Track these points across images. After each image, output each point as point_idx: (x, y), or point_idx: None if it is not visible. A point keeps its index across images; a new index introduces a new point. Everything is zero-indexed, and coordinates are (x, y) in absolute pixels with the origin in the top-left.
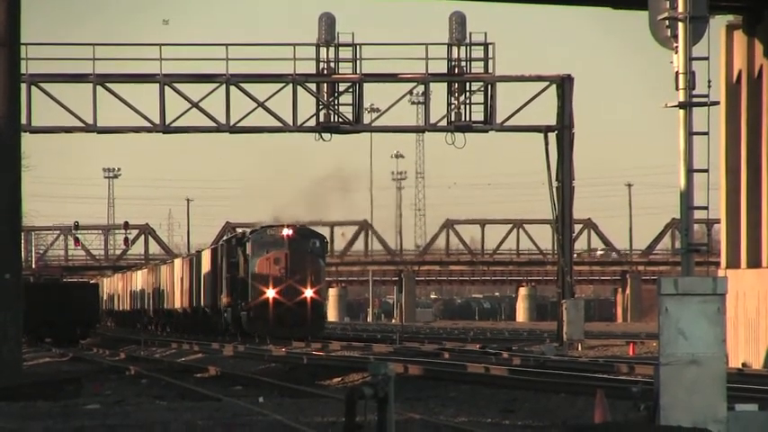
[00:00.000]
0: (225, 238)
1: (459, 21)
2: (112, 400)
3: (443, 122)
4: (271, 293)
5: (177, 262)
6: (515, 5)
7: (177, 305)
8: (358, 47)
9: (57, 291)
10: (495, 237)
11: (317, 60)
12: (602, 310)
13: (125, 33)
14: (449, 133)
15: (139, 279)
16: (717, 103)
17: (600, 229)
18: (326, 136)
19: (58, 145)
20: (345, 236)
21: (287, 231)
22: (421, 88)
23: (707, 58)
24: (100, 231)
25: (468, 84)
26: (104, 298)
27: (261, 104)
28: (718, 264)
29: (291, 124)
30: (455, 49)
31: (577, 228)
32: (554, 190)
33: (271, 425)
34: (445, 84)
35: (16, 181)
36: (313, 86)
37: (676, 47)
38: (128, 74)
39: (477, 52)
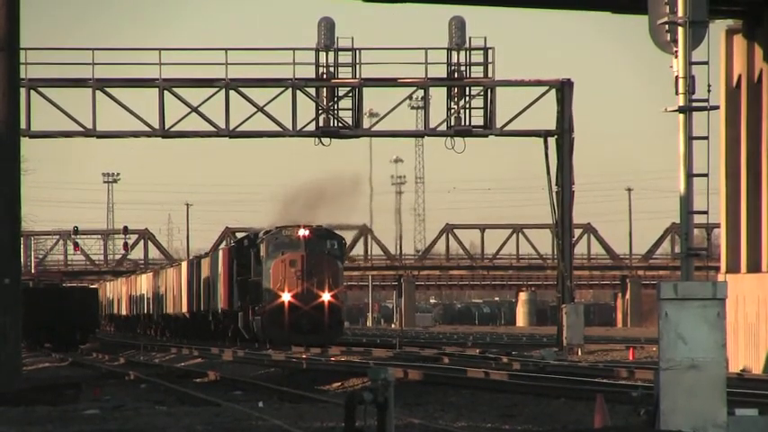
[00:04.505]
0: (235, 239)
1: (458, 25)
2: (112, 405)
3: (443, 127)
4: (286, 297)
5: (184, 265)
6: (515, 10)
7: (184, 309)
8: (357, 51)
9: (56, 296)
10: (494, 241)
11: (317, 65)
12: (602, 314)
13: (124, 38)
14: (448, 138)
15: (144, 283)
16: (717, 107)
17: (599, 233)
18: (326, 141)
19: (58, 150)
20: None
21: (303, 232)
22: (420, 93)
23: (707, 63)
24: (99, 236)
25: (467, 88)
26: (104, 303)
27: (260, 109)
28: (717, 268)
29: (291, 129)
30: (455, 54)
31: (577, 232)
32: (554, 195)
33: (270, 430)
34: (445, 88)
35: (16, 186)
36: (312, 91)
37: (676, 51)
38: (127, 78)
39: (477, 57)
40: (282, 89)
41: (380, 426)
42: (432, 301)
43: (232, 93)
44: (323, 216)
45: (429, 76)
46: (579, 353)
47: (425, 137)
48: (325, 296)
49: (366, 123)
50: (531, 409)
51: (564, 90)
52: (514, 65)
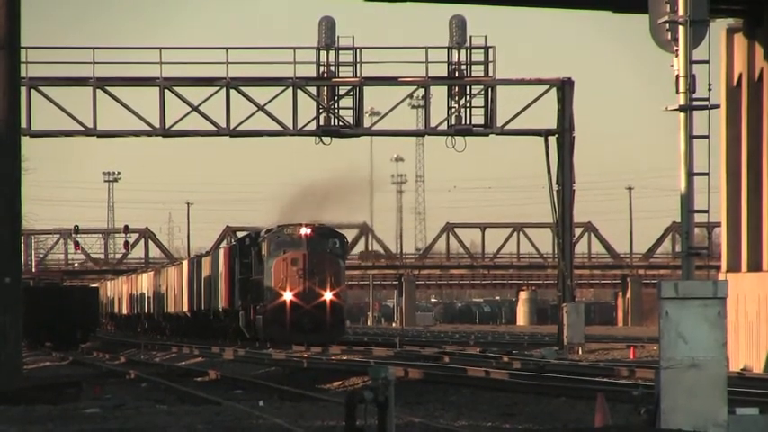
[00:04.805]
0: (236, 238)
1: (459, 24)
2: (112, 404)
3: (444, 126)
4: (288, 296)
5: (185, 264)
6: (516, 9)
7: (185, 308)
8: (358, 50)
9: (56, 294)
10: (495, 240)
11: (318, 64)
12: (603, 313)
13: (125, 37)
14: (449, 137)
15: (144, 282)
16: (717, 106)
17: (600, 232)
18: (326, 139)
19: (58, 149)
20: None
21: (305, 230)
22: (421, 92)
23: (707, 62)
24: (100, 235)
25: (468, 87)
26: (105, 302)
27: (261, 108)
28: (718, 267)
29: (291, 128)
30: (455, 53)
31: (578, 231)
32: (554, 193)
33: (271, 429)
34: (445, 87)
35: (16, 185)
36: (313, 90)
37: (677, 50)
38: (128, 77)
39: (478, 56)
40: (283, 88)
41: (381, 424)
42: (432, 300)
43: (233, 92)
44: (330, 214)
45: (430, 75)
46: (580, 352)
47: (426, 136)
48: (327, 295)
49: (367, 122)
50: (531, 407)
51: (564, 89)
52: (515, 64)
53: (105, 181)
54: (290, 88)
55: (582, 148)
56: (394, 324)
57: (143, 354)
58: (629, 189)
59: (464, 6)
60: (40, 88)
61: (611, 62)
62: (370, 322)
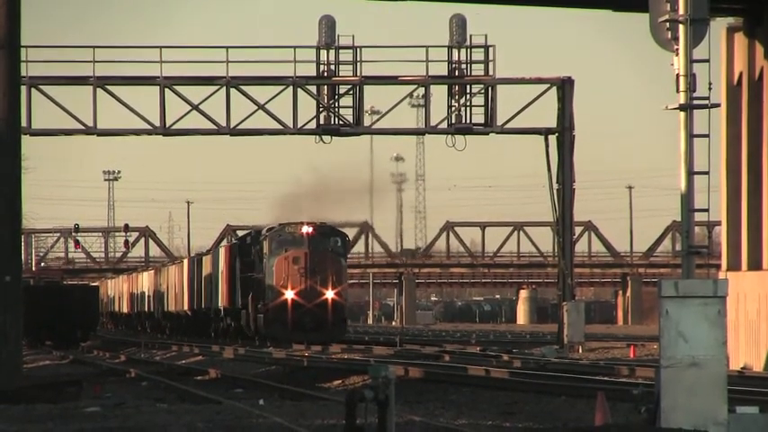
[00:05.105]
0: (236, 237)
1: (459, 23)
2: (112, 403)
3: (444, 125)
4: (289, 295)
5: (185, 263)
6: (516, 8)
7: (185, 307)
8: (358, 49)
9: (57, 293)
10: (495, 239)
11: (318, 63)
12: (603, 312)
13: (125, 36)
14: (449, 135)
15: (145, 281)
16: (717, 105)
17: (600, 231)
18: (327, 138)
19: (59, 147)
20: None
21: (306, 229)
22: (421, 91)
23: (708, 61)
24: (100, 234)
25: (468, 86)
26: (105, 301)
27: (261, 107)
28: (718, 266)
29: (292, 127)
30: (455, 52)
31: (578, 230)
32: (554, 192)
33: (271, 427)
34: (445, 86)
35: (16, 183)
36: (313, 89)
37: (677, 49)
38: (128, 76)
39: (478, 54)
40: (283, 87)
41: (381, 423)
42: (432, 298)
43: (233, 90)
44: (331, 212)
45: (430, 74)
46: (580, 350)
47: (426, 134)
48: (329, 294)
49: (367, 121)
50: (531, 406)
51: (565, 88)
52: (515, 63)
53: (105, 180)
54: (291, 87)
55: (582, 146)
56: (394, 323)
57: (143, 352)
58: (630, 188)
59: (464, 5)
60: (41, 87)
61: (611, 61)
62: (370, 321)
